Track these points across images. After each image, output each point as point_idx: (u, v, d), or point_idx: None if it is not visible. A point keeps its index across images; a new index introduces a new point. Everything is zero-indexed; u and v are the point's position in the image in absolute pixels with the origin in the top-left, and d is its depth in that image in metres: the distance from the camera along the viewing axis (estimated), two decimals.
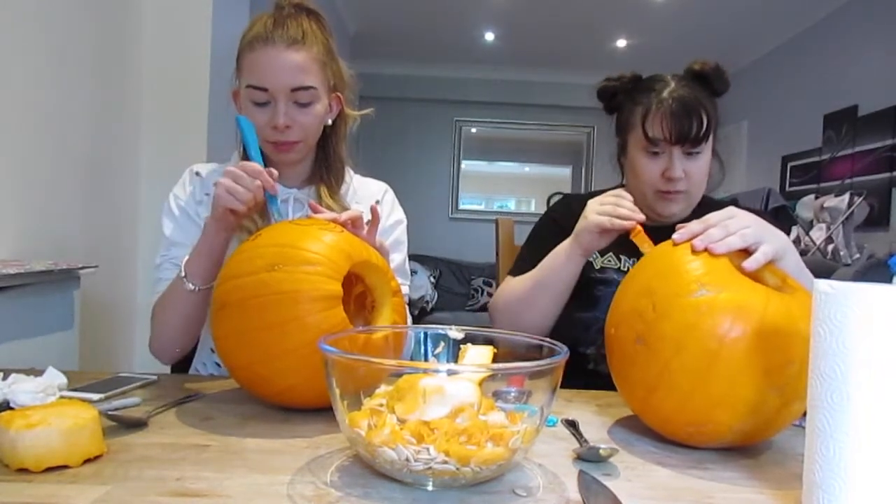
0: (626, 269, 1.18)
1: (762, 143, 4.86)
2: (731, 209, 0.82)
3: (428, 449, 0.54)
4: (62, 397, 0.77)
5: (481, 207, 6.20)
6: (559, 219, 1.26)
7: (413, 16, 4.67)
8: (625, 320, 0.75)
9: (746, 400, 0.66)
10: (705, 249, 0.75)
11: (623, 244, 1.14)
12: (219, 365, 1.12)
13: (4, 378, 0.75)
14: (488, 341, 0.72)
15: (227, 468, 0.60)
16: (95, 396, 0.80)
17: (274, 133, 1.03)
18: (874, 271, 2.33)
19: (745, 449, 0.73)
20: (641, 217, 0.98)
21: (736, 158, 5.19)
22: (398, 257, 1.18)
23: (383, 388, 0.62)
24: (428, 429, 0.55)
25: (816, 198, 3.63)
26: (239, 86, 1.06)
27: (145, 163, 2.21)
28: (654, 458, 0.69)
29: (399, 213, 1.23)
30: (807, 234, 3.42)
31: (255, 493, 0.55)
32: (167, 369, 1.28)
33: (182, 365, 1.20)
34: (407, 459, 0.54)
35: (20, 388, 0.72)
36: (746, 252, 0.78)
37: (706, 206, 1.23)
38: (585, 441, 0.72)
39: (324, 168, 1.14)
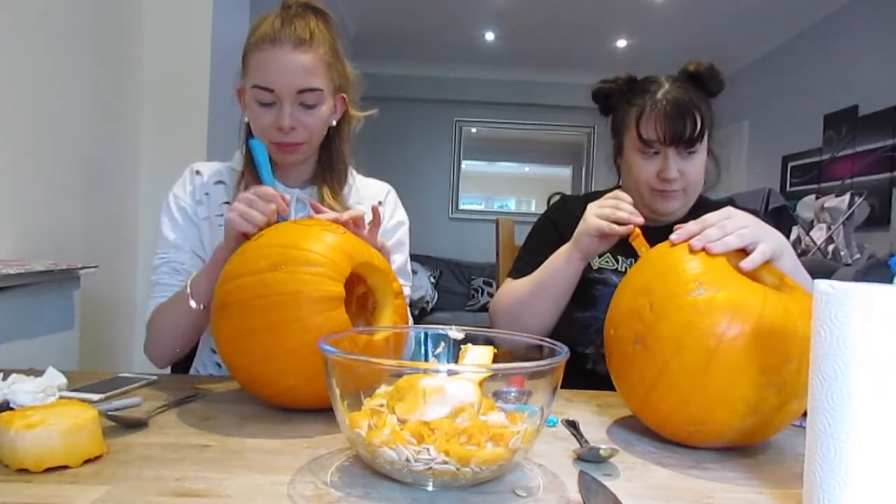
0: (623, 269, 1.18)
1: (762, 143, 4.86)
2: (729, 209, 0.82)
3: (428, 449, 0.54)
4: (62, 397, 0.77)
5: (481, 207, 6.20)
6: (556, 220, 1.27)
7: (413, 16, 4.67)
8: (623, 321, 0.75)
9: (745, 398, 0.66)
10: (703, 249, 0.75)
11: (621, 245, 1.14)
12: (219, 365, 1.12)
13: (4, 378, 0.75)
14: (488, 341, 0.72)
15: (227, 468, 0.60)
16: (95, 397, 0.80)
17: (279, 134, 1.03)
18: (875, 271, 2.33)
19: (745, 449, 0.73)
20: (640, 220, 0.98)
21: (736, 158, 5.19)
22: (400, 258, 1.17)
23: (383, 389, 0.62)
24: (428, 429, 0.55)
25: (817, 198, 3.63)
26: (244, 84, 1.06)
27: (145, 163, 2.21)
28: (654, 458, 0.69)
29: (401, 215, 1.22)
30: (807, 234, 3.42)
31: (255, 493, 0.55)
32: (167, 369, 1.28)
33: (182, 365, 1.20)
34: (407, 460, 0.54)
35: (20, 389, 0.72)
36: (744, 252, 0.78)
37: (703, 206, 1.23)
38: (585, 441, 0.71)
39: (327, 168, 1.14)
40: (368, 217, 0.93)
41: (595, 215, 1.02)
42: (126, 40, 2.11)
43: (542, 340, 0.68)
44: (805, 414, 0.54)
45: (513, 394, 0.65)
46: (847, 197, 3.34)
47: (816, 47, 4.22)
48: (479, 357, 0.70)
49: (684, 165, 1.11)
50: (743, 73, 5.19)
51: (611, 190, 1.31)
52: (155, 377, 0.94)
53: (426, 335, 0.76)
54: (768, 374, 0.66)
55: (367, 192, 1.20)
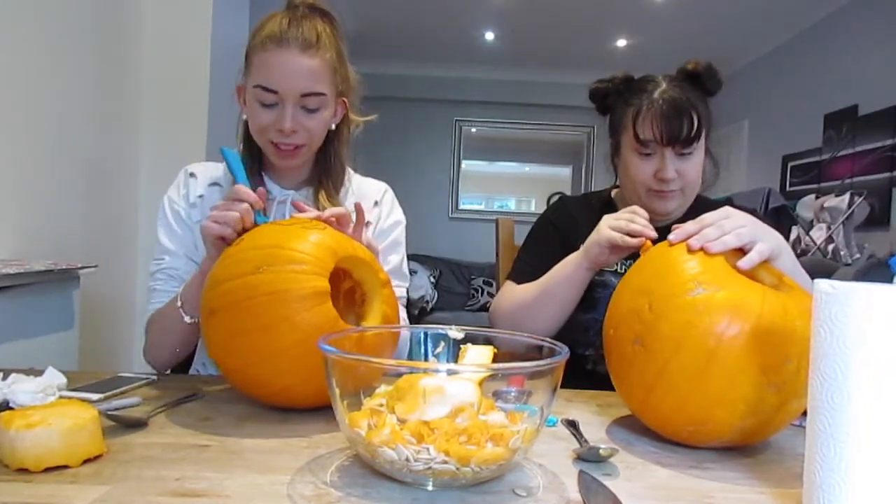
0: (623, 271, 1.18)
1: (762, 142, 4.86)
2: (727, 209, 0.82)
3: (428, 449, 0.54)
4: (62, 397, 0.77)
5: (481, 207, 6.20)
6: (556, 221, 1.27)
7: (413, 16, 4.67)
8: (623, 321, 0.75)
9: (745, 398, 0.66)
10: (701, 249, 0.75)
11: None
12: None
13: (4, 378, 0.75)
14: (488, 341, 0.72)
15: (227, 468, 0.60)
16: (95, 396, 0.80)
17: (278, 135, 1.02)
18: (875, 271, 2.33)
19: (745, 449, 0.73)
20: (654, 234, 0.97)
21: (736, 158, 5.19)
22: (396, 258, 1.17)
23: (383, 388, 0.62)
24: (428, 429, 0.55)
25: (817, 198, 3.63)
26: (245, 82, 1.05)
27: (145, 163, 2.22)
28: (654, 457, 0.69)
29: (398, 214, 1.22)
30: (807, 234, 3.42)
31: (254, 493, 0.55)
32: (167, 369, 1.28)
33: (182, 365, 1.20)
34: (407, 459, 0.54)
35: (20, 388, 0.72)
36: (742, 251, 0.78)
37: (701, 205, 1.23)
38: (585, 441, 0.71)
39: (323, 171, 1.13)
40: (354, 216, 0.93)
41: (609, 227, 1.00)
42: (126, 40, 2.11)
43: (542, 340, 0.68)
44: (805, 414, 0.54)
45: (513, 394, 0.65)
46: (847, 197, 3.34)
47: (816, 47, 4.22)
48: (479, 357, 0.70)
49: (681, 166, 1.10)
50: (743, 73, 5.18)
51: (609, 190, 1.31)
52: (155, 377, 0.94)
53: (426, 335, 0.76)
54: (768, 373, 0.66)
55: (363, 191, 1.20)
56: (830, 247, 3.30)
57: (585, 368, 1.17)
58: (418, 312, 4.98)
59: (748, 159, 5.06)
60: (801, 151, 4.23)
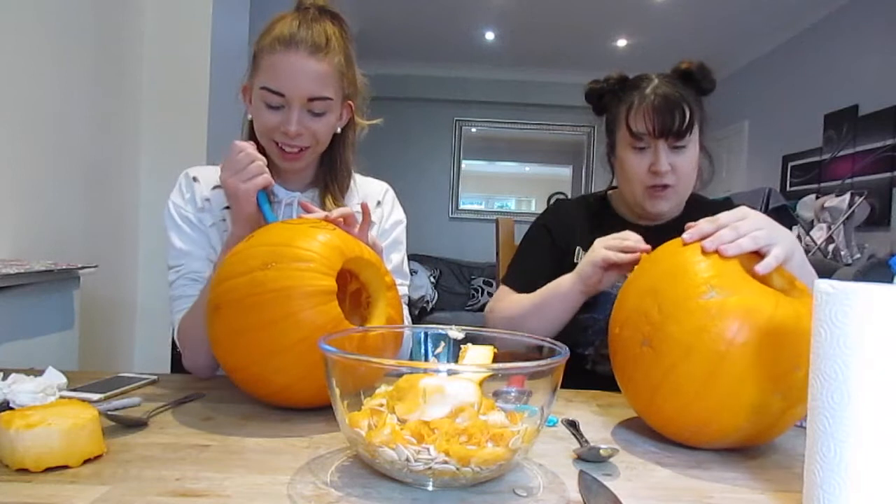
0: None
1: (763, 142, 4.86)
2: (744, 209, 0.80)
3: (428, 449, 0.54)
4: (62, 397, 0.77)
5: (481, 207, 6.20)
6: (549, 225, 1.27)
7: (413, 16, 4.67)
8: (630, 321, 0.74)
9: (751, 403, 0.66)
10: (716, 251, 0.73)
11: None
12: None
13: (4, 378, 0.75)
14: (488, 341, 0.72)
15: (227, 468, 0.60)
16: (95, 396, 0.80)
17: (283, 137, 1.01)
18: (875, 271, 2.33)
19: (746, 449, 0.73)
20: (647, 247, 0.96)
21: (736, 158, 5.19)
22: (397, 257, 1.17)
23: (383, 388, 0.62)
24: (428, 429, 0.55)
25: (817, 197, 3.63)
26: (252, 83, 1.04)
27: (145, 163, 2.22)
28: (655, 458, 0.69)
29: (399, 213, 1.22)
30: (807, 233, 3.42)
31: (255, 493, 0.55)
32: (167, 369, 1.28)
33: (180, 363, 1.20)
34: (407, 459, 0.54)
35: (20, 388, 0.72)
36: (756, 254, 0.76)
37: (698, 205, 1.23)
38: (586, 441, 0.71)
39: (329, 174, 1.13)
40: (359, 216, 0.93)
41: (603, 247, 1.00)
42: (126, 40, 2.11)
43: (542, 340, 0.68)
44: (805, 414, 0.54)
45: (513, 394, 0.65)
46: (847, 196, 3.34)
47: (816, 47, 4.22)
48: (479, 357, 0.70)
49: (675, 159, 1.11)
50: (743, 73, 5.18)
51: (605, 191, 1.32)
52: (155, 377, 0.94)
53: (426, 335, 0.76)
54: (776, 380, 0.65)
55: (366, 191, 1.20)
56: (831, 247, 3.31)
57: (585, 368, 1.17)
58: (418, 312, 4.98)
59: (748, 159, 5.06)
60: (802, 151, 4.23)
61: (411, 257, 1.24)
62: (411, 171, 5.84)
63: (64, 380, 0.81)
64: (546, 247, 1.23)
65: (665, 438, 0.74)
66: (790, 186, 4.33)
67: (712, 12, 4.27)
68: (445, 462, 0.54)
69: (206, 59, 2.22)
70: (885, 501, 0.48)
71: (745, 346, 0.65)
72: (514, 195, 6.41)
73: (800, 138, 4.26)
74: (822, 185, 3.93)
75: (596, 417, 0.84)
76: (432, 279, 5.37)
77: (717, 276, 0.70)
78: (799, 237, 3.42)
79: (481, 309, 5.25)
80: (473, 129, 6.12)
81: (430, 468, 0.54)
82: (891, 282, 0.57)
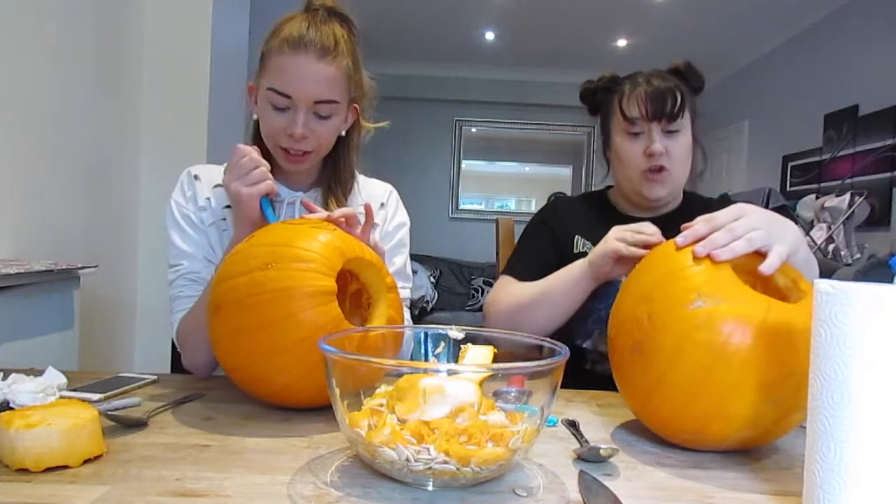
0: None
1: (763, 142, 4.86)
2: (741, 207, 0.78)
3: (428, 449, 0.54)
4: (62, 397, 0.77)
5: (481, 207, 6.20)
6: (548, 220, 1.28)
7: (413, 16, 4.67)
8: (623, 327, 0.74)
9: (743, 412, 0.65)
10: (708, 255, 0.72)
11: None
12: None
13: (4, 378, 0.75)
14: (488, 341, 0.72)
15: (227, 468, 0.60)
16: (95, 396, 0.80)
17: (289, 139, 1.01)
18: (875, 271, 2.33)
19: (746, 450, 0.73)
20: (661, 240, 0.94)
21: (736, 158, 5.19)
22: (400, 260, 1.17)
23: (383, 388, 0.62)
24: (428, 429, 0.55)
25: (817, 197, 3.63)
26: (258, 82, 1.03)
27: (145, 163, 2.22)
28: (655, 458, 0.69)
29: (403, 216, 1.22)
30: (807, 233, 3.41)
31: (255, 493, 0.55)
32: (167, 369, 1.28)
33: (180, 363, 1.20)
34: (407, 459, 0.54)
35: (20, 388, 0.72)
36: (758, 253, 0.74)
37: (696, 202, 1.23)
38: (586, 441, 0.71)
39: (332, 176, 1.13)
40: (362, 216, 0.93)
41: (615, 238, 1.00)
42: (126, 40, 2.11)
43: (542, 340, 0.68)
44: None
45: (513, 394, 0.65)
46: (847, 196, 3.34)
47: (816, 47, 4.22)
48: (479, 357, 0.70)
49: (668, 143, 1.13)
50: (743, 73, 5.19)
51: (606, 189, 1.32)
52: (155, 377, 0.94)
53: (426, 335, 0.76)
54: (767, 389, 0.64)
55: (369, 192, 1.19)
56: (831, 247, 3.30)
57: (584, 367, 1.17)
58: (418, 312, 4.98)
59: (748, 159, 5.06)
60: (802, 151, 4.23)
61: (411, 257, 1.24)
62: (411, 171, 5.84)
63: (64, 380, 0.81)
64: (546, 238, 1.24)
65: (665, 438, 0.74)
66: (790, 186, 4.33)
67: (712, 12, 4.27)
68: (445, 462, 0.54)
69: (206, 59, 2.22)
70: (885, 501, 0.48)
71: (735, 355, 0.64)
72: (514, 195, 6.41)
73: (800, 138, 4.26)
74: (822, 185, 3.93)
75: (596, 417, 0.84)
76: (432, 279, 5.37)
77: (707, 284, 0.69)
78: None
79: (481, 309, 5.24)
80: (473, 129, 6.12)
81: (430, 468, 0.54)
82: (891, 282, 0.57)
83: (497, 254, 1.54)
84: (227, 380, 0.94)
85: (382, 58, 5.47)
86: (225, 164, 1.02)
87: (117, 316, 2.11)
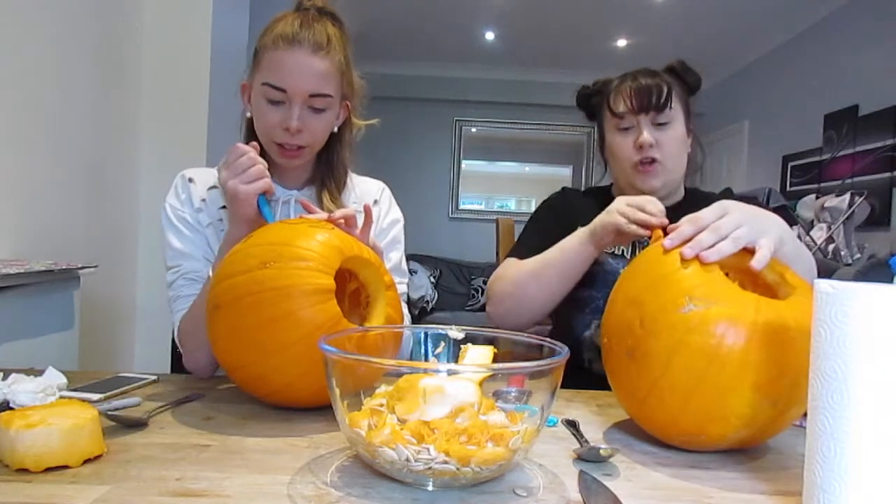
0: (620, 252, 1.19)
1: (763, 142, 4.86)
2: (725, 204, 0.78)
3: (428, 449, 0.54)
4: (62, 397, 0.77)
5: (481, 207, 6.20)
6: (554, 204, 1.30)
7: (413, 16, 4.67)
8: (616, 332, 0.74)
9: (738, 413, 0.65)
10: (696, 257, 0.71)
11: None
12: None
13: (4, 378, 0.75)
14: (488, 341, 0.72)
15: (227, 468, 0.60)
16: (95, 396, 0.80)
17: (284, 134, 1.02)
18: (875, 271, 2.33)
19: (745, 449, 0.73)
20: (664, 221, 0.93)
21: (736, 158, 5.19)
22: (395, 256, 1.18)
23: (383, 388, 0.62)
24: (428, 429, 0.55)
25: (817, 197, 3.63)
26: (252, 80, 1.05)
27: (145, 163, 2.21)
28: (655, 458, 0.69)
29: (396, 212, 1.23)
30: (807, 233, 3.41)
31: (255, 493, 0.55)
32: (167, 369, 1.28)
33: (180, 363, 1.20)
34: (407, 459, 0.54)
35: (20, 388, 0.72)
36: (746, 249, 0.74)
37: (697, 198, 1.23)
38: (586, 441, 0.71)
39: (326, 172, 1.14)
40: (361, 217, 0.93)
41: (618, 211, 0.99)
42: (126, 40, 2.11)
43: (542, 340, 0.68)
44: (806, 414, 0.54)
45: (513, 394, 0.65)
46: (847, 196, 3.34)
47: (816, 47, 4.22)
48: (479, 357, 0.70)
49: (659, 136, 1.15)
50: (743, 73, 5.19)
51: (603, 188, 1.33)
52: (155, 377, 0.94)
53: (426, 335, 0.76)
54: (763, 389, 0.64)
55: (362, 189, 1.21)
56: (831, 247, 3.30)
57: (582, 367, 1.17)
58: (418, 312, 4.98)
59: (748, 159, 5.06)
60: (802, 151, 4.23)
61: (411, 257, 1.25)
62: (411, 171, 5.84)
63: (64, 380, 0.81)
64: (551, 223, 1.25)
65: (663, 439, 0.74)
66: (790, 186, 4.33)
67: (712, 12, 4.27)
68: (445, 462, 0.54)
69: (206, 59, 2.22)
70: (885, 501, 0.48)
71: (729, 356, 0.64)
72: (514, 195, 6.41)
73: (800, 138, 4.26)
74: (822, 185, 3.93)
75: (596, 417, 0.84)
76: (432, 279, 5.36)
77: (697, 287, 0.68)
78: (799, 237, 3.42)
79: (481, 309, 5.25)
80: (473, 129, 6.12)
81: (430, 468, 0.54)
82: (891, 282, 0.57)
83: (497, 254, 1.54)
84: (228, 379, 0.94)
85: (383, 58, 5.47)
86: (218, 166, 1.02)
87: (117, 316, 2.11)
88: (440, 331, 0.75)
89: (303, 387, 0.76)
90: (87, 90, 1.89)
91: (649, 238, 0.94)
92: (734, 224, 0.74)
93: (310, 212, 0.94)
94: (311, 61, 1.00)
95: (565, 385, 0.90)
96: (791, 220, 3.40)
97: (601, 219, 1.03)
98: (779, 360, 0.64)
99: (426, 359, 0.75)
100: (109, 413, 0.71)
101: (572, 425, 0.77)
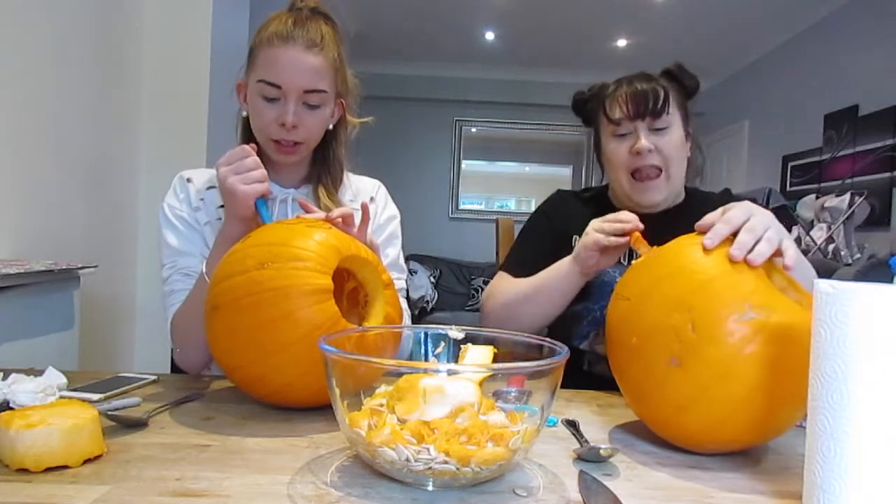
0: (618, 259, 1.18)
1: (763, 142, 4.86)
2: (749, 206, 0.77)
3: (428, 449, 0.54)
4: (62, 397, 0.77)
5: (481, 207, 6.20)
6: (549, 213, 1.28)
7: (413, 16, 4.67)
8: (656, 335, 0.69)
9: (786, 424, 0.66)
10: (744, 260, 0.70)
11: None
12: None
13: (4, 378, 0.75)
14: (488, 341, 0.72)
15: (227, 468, 0.60)
16: (95, 396, 0.80)
17: (280, 131, 1.04)
18: (875, 271, 2.33)
19: (746, 449, 0.73)
20: (639, 226, 0.95)
21: (736, 158, 5.19)
22: (393, 252, 1.19)
23: (383, 388, 0.62)
24: (428, 429, 0.55)
25: (817, 197, 3.63)
26: (247, 79, 1.07)
27: (145, 162, 2.22)
28: (655, 458, 0.69)
29: (392, 209, 1.24)
30: (807, 233, 3.41)
31: (255, 493, 0.55)
32: (167, 369, 1.28)
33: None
34: (407, 459, 0.54)
35: (20, 388, 0.72)
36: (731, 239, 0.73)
37: (698, 198, 1.22)
38: (586, 441, 0.71)
39: (322, 169, 1.15)
40: (358, 215, 0.94)
41: (594, 229, 1.00)
42: (126, 40, 2.11)
43: (542, 340, 0.68)
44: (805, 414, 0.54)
45: (513, 394, 0.65)
46: (847, 196, 3.34)
47: (816, 47, 4.22)
48: (479, 357, 0.70)
49: (657, 141, 1.12)
50: (743, 73, 5.19)
51: (602, 189, 1.32)
52: (155, 377, 0.94)
53: (426, 335, 0.76)
54: (806, 396, 0.64)
55: (358, 187, 1.22)
56: (831, 247, 3.30)
57: (582, 369, 1.17)
58: (418, 312, 4.98)
59: (748, 159, 5.06)
60: (802, 151, 4.23)
61: (411, 257, 1.26)
62: (411, 171, 5.84)
63: (64, 380, 0.81)
64: (545, 233, 1.24)
65: (665, 439, 0.74)
66: (790, 186, 4.33)
67: (712, 12, 4.27)
68: (445, 462, 0.54)
69: (206, 59, 2.23)
70: (885, 501, 0.48)
71: (787, 368, 0.63)
72: (514, 195, 6.41)
73: (800, 138, 4.26)
74: (822, 185, 3.93)
75: (596, 417, 0.84)
76: (432, 279, 5.36)
77: (754, 294, 0.66)
78: (799, 237, 3.42)
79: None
80: (473, 129, 6.12)
81: (430, 468, 0.54)
82: (891, 282, 0.57)
83: (497, 254, 1.54)
84: (227, 380, 0.94)
85: (383, 58, 5.47)
86: (217, 163, 1.03)
87: (117, 316, 2.11)
88: (440, 331, 0.75)
89: (302, 387, 0.76)
90: (87, 90, 1.89)
91: (632, 246, 0.94)
92: (764, 225, 0.74)
93: (308, 211, 0.94)
94: (306, 57, 1.01)
95: (566, 387, 0.90)
96: (791, 220, 3.40)
97: (582, 242, 1.03)
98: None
99: (426, 359, 0.75)
100: (109, 413, 0.71)
101: (572, 425, 0.77)
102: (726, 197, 1.24)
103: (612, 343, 0.77)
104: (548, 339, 0.67)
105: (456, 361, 0.72)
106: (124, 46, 2.10)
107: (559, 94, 5.69)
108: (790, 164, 4.38)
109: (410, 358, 0.79)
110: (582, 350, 1.16)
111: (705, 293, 0.68)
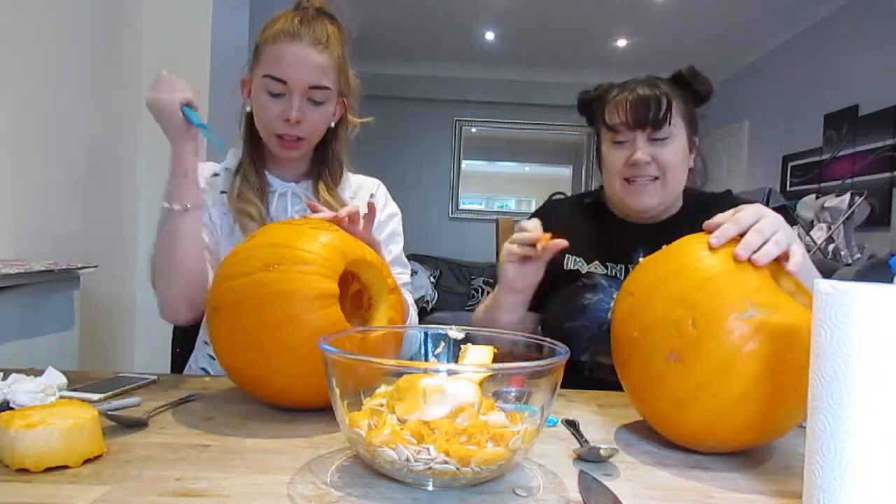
0: (613, 273, 1.15)
1: (763, 142, 4.86)
2: (759, 208, 0.77)
3: (428, 449, 0.54)
4: (62, 397, 0.77)
5: (481, 207, 6.20)
6: (543, 218, 1.26)
7: (413, 16, 4.67)
8: (656, 330, 0.69)
9: (787, 424, 0.66)
10: (749, 260, 0.70)
11: (606, 251, 1.13)
12: (212, 357, 1.11)
13: (4, 378, 0.75)
14: (488, 341, 0.72)
15: (227, 468, 0.60)
16: (95, 396, 0.80)
17: (283, 126, 1.05)
18: (875, 271, 2.33)
19: (746, 449, 0.73)
20: (543, 234, 0.99)
21: (736, 158, 5.19)
22: (395, 248, 1.21)
23: (383, 388, 0.62)
24: (428, 429, 0.55)
25: (817, 197, 3.63)
26: (252, 75, 1.09)
27: (145, 162, 2.21)
28: (655, 458, 0.69)
29: (393, 207, 1.26)
30: (807, 233, 3.42)
31: (255, 493, 0.55)
32: (167, 369, 1.28)
33: (180, 363, 1.20)
34: (407, 459, 0.54)
35: (20, 388, 0.72)
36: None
37: (699, 200, 1.21)
38: (586, 441, 0.71)
39: (322, 165, 1.17)
40: (363, 212, 0.94)
41: (506, 248, 1.03)
42: (126, 40, 2.11)
43: (542, 340, 0.68)
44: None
45: (513, 394, 0.65)
46: (847, 196, 3.34)
47: (816, 47, 4.22)
48: (479, 357, 0.70)
49: (656, 152, 1.08)
50: (743, 73, 5.19)
51: (601, 189, 1.31)
52: (155, 377, 0.94)
53: (426, 335, 0.76)
54: (805, 396, 0.64)
55: (358, 186, 1.24)
56: (831, 247, 3.31)
57: (583, 375, 1.16)
58: (418, 312, 4.97)
59: (748, 159, 5.06)
60: (802, 151, 4.23)
61: (411, 257, 1.26)
62: (411, 171, 5.84)
63: (64, 380, 0.81)
64: None
65: (665, 439, 0.74)
66: (790, 186, 4.33)
67: (712, 12, 4.27)
68: (445, 462, 0.54)
69: (206, 58, 2.23)
70: (885, 501, 0.48)
71: (787, 367, 0.63)
72: (514, 195, 6.42)
73: (800, 138, 4.26)
74: (822, 185, 3.93)
75: (596, 417, 0.84)
76: (432, 279, 5.37)
77: (757, 292, 0.66)
78: (799, 237, 3.42)
79: None
80: (473, 129, 6.12)
81: (430, 468, 0.54)
82: (891, 282, 0.57)
83: (497, 254, 1.54)
84: (228, 380, 0.94)
85: (383, 58, 5.47)
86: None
87: (117, 316, 2.11)
88: (440, 331, 0.75)
89: (304, 388, 0.76)
90: (87, 90, 1.89)
91: (538, 249, 0.98)
92: (773, 228, 0.74)
93: (315, 212, 0.94)
94: (311, 54, 1.03)
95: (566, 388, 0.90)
96: (791, 220, 3.40)
97: (501, 265, 1.05)
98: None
99: (426, 359, 0.75)
100: (109, 413, 0.71)
101: (572, 425, 0.77)
102: (727, 197, 1.22)
103: (616, 338, 0.77)
104: (548, 339, 0.67)
105: (456, 361, 0.72)
106: (124, 46, 2.10)
107: (559, 94, 5.73)
108: (790, 164, 4.38)
109: (410, 358, 0.79)
110: (581, 364, 1.15)
111: (708, 290, 0.68)
